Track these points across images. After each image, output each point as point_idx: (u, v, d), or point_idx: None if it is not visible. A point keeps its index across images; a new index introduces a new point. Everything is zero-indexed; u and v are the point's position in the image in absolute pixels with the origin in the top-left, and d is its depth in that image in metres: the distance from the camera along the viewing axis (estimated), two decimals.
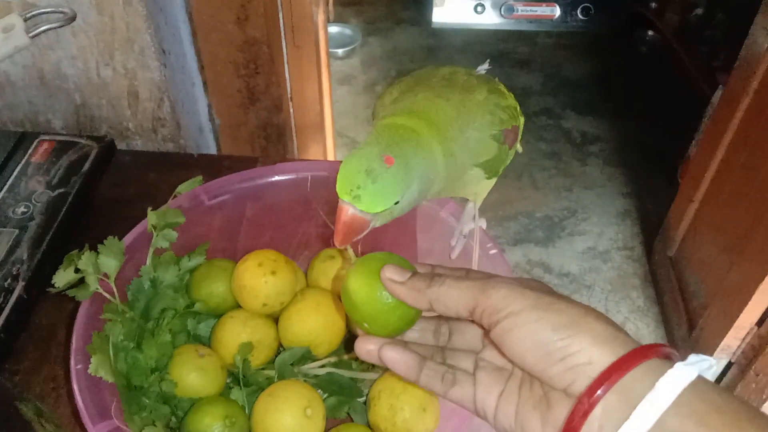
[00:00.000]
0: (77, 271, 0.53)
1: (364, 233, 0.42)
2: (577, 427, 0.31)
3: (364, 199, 0.39)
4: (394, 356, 0.38)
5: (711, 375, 0.31)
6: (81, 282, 0.53)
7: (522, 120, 0.55)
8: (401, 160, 0.40)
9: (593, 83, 2.39)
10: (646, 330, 1.65)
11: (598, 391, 0.30)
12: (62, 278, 0.53)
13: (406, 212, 0.43)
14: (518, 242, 1.83)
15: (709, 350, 1.37)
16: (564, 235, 1.86)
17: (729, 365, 1.38)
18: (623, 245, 1.85)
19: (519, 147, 0.56)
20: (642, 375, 0.30)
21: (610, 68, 2.46)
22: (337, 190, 0.39)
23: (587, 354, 0.31)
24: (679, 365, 0.30)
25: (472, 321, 0.36)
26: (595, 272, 1.78)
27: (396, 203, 0.40)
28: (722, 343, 1.33)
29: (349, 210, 0.39)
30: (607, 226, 1.89)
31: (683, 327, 1.52)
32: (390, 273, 0.37)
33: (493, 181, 0.55)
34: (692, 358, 0.31)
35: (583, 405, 0.31)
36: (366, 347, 0.39)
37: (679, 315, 1.55)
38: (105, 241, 0.54)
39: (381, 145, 0.40)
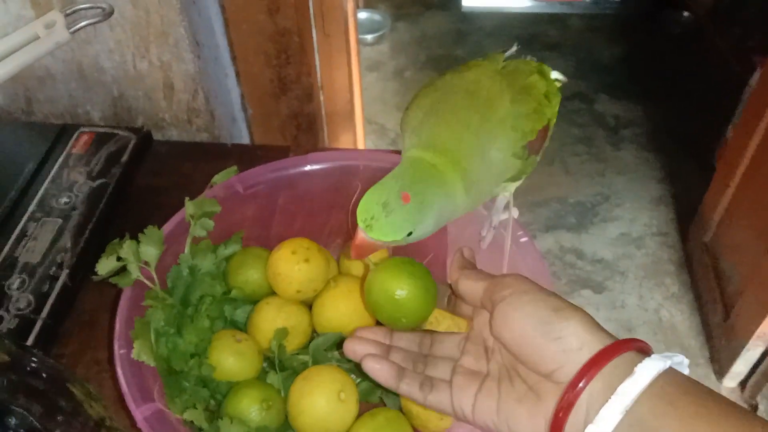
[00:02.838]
0: (119, 259, 0.55)
1: (379, 250, 0.46)
2: (567, 413, 0.35)
3: (375, 230, 0.43)
4: (375, 366, 0.42)
5: (683, 369, 0.35)
6: (123, 270, 0.55)
7: (555, 108, 0.54)
8: (417, 198, 0.43)
9: (625, 66, 2.35)
10: (680, 317, 1.64)
11: (583, 380, 0.34)
12: (105, 266, 0.55)
13: (424, 238, 0.47)
14: (550, 228, 1.82)
15: (745, 337, 1.35)
16: (597, 221, 1.85)
17: (766, 353, 1.36)
18: (657, 231, 1.83)
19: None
20: (622, 364, 0.34)
21: (642, 51, 2.42)
22: (357, 217, 0.44)
23: (580, 339, 0.35)
24: (654, 356, 0.34)
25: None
26: (628, 258, 1.76)
27: (408, 234, 0.44)
28: (758, 330, 1.31)
29: (361, 234, 0.44)
30: (641, 212, 1.87)
31: (718, 314, 1.50)
32: None
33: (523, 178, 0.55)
34: (666, 353, 0.35)
35: (572, 392, 0.34)
36: (353, 347, 0.44)
37: (714, 301, 1.53)
38: (145, 231, 0.56)
39: (402, 181, 0.44)
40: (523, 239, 0.59)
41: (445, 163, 0.46)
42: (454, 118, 0.48)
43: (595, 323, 0.37)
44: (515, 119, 0.49)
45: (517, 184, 0.56)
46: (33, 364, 0.31)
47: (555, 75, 0.55)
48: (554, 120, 0.54)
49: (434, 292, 0.51)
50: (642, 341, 0.36)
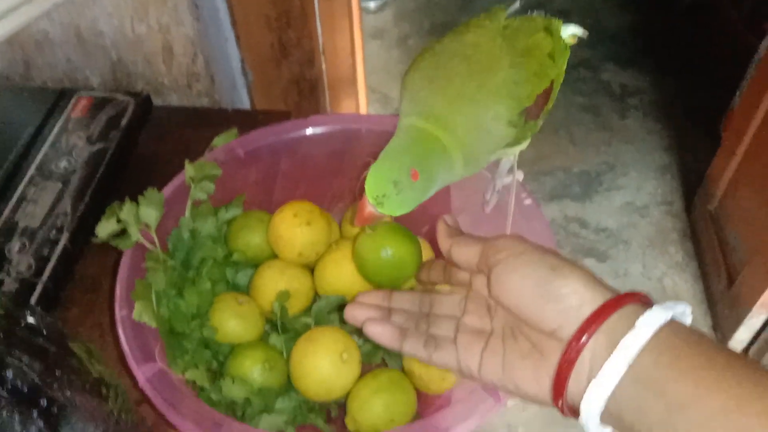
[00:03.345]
0: (119, 221, 0.54)
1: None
2: (568, 369, 0.34)
3: (386, 207, 0.44)
4: (377, 330, 0.42)
5: (686, 319, 0.35)
6: (123, 233, 0.55)
7: (561, 67, 0.52)
8: (425, 175, 0.44)
9: (633, 35, 2.31)
10: (684, 285, 1.63)
11: (584, 336, 0.33)
12: (104, 229, 0.54)
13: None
14: (554, 198, 1.81)
15: (749, 305, 1.35)
16: (601, 190, 1.84)
17: None
18: (662, 200, 1.82)
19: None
20: (624, 317, 0.33)
21: (651, 20, 2.37)
22: (366, 191, 0.44)
23: (580, 296, 0.35)
24: (656, 307, 0.33)
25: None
26: (632, 227, 1.75)
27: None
28: (762, 297, 1.31)
29: (370, 208, 0.44)
30: (646, 181, 1.86)
31: (722, 282, 1.50)
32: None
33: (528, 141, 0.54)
34: (668, 303, 0.34)
35: (573, 348, 0.34)
36: (353, 313, 0.44)
37: (719, 270, 1.53)
38: (145, 193, 0.56)
39: (411, 157, 0.44)
40: (527, 202, 0.58)
41: (445, 136, 0.46)
42: (451, 87, 0.47)
43: (595, 279, 0.36)
44: (513, 85, 0.48)
45: (520, 147, 0.56)
46: (32, 321, 0.31)
47: (571, 29, 0.53)
48: (560, 79, 0.52)
49: (419, 251, 0.55)
50: (644, 294, 0.35)
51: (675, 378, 0.31)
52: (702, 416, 0.30)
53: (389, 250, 0.53)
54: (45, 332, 0.32)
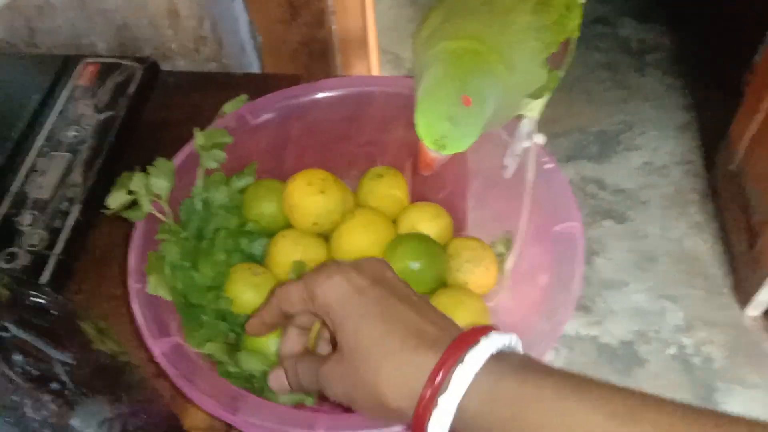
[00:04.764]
0: (130, 192, 0.53)
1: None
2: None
3: (450, 147, 0.40)
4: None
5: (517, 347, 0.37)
6: (134, 204, 0.53)
7: (576, 21, 0.50)
8: (478, 98, 0.40)
9: None
10: (704, 246, 1.61)
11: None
12: (115, 200, 0.53)
13: None
14: (571, 159, 1.77)
15: None
16: (619, 150, 1.80)
17: None
18: (682, 159, 1.78)
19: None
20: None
21: None
22: (421, 135, 0.40)
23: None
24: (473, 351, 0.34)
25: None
26: (651, 188, 1.72)
27: None
28: None
29: (432, 154, 0.41)
30: (665, 140, 1.82)
31: (743, 243, 1.47)
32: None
33: (547, 97, 0.52)
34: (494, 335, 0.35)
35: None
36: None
37: (739, 231, 1.50)
38: (155, 163, 0.54)
39: (455, 81, 0.40)
40: (548, 166, 0.56)
41: (482, 47, 0.42)
42: (471, 25, 0.44)
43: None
44: (536, 31, 0.45)
45: (541, 104, 0.53)
46: (40, 301, 0.30)
47: None
48: (576, 34, 0.50)
49: (444, 267, 0.56)
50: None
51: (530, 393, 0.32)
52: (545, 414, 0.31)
53: (417, 264, 0.53)
54: (54, 312, 0.31)
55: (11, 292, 0.29)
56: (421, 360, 0.34)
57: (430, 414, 0.33)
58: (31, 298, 0.30)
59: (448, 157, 0.42)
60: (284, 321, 0.46)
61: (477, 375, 0.33)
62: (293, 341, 0.46)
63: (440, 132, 0.39)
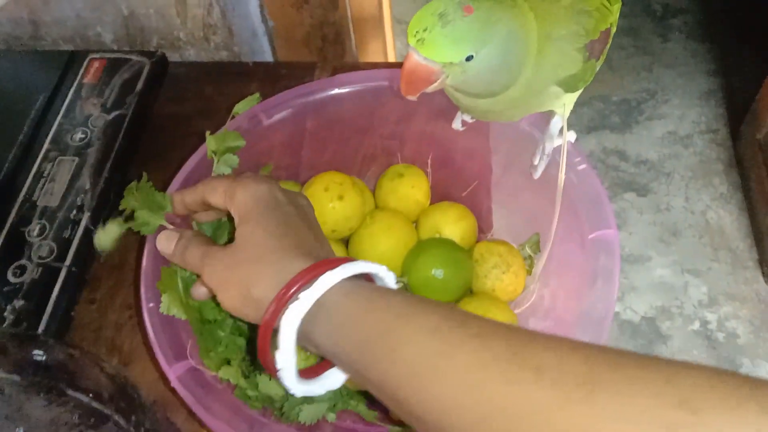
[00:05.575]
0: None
1: (434, 87, 0.39)
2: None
3: (428, 44, 0.36)
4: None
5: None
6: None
7: (617, 11, 0.47)
8: (483, 13, 0.36)
9: None
10: (728, 218, 1.57)
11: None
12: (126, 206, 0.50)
13: (489, 87, 0.41)
14: (592, 129, 1.73)
15: None
16: (642, 120, 1.75)
17: None
18: (706, 128, 1.72)
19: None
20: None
21: None
22: (408, 31, 0.37)
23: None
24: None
25: None
26: (675, 158, 1.68)
27: (468, 59, 0.37)
28: None
29: (413, 56, 0.37)
30: (690, 108, 1.76)
31: None
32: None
33: (578, 92, 0.49)
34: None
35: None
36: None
37: (765, 202, 1.46)
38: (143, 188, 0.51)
39: None
40: (582, 167, 0.53)
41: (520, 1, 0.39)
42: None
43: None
44: (578, 15, 0.43)
45: (574, 97, 0.50)
46: (39, 358, 0.28)
47: None
48: (615, 26, 0.48)
49: (470, 274, 0.54)
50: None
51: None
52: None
53: (440, 271, 0.52)
54: (51, 366, 0.29)
55: (11, 353, 0.27)
56: (299, 265, 0.37)
57: (288, 304, 0.35)
58: (33, 356, 0.28)
59: (432, 76, 0.38)
60: (201, 209, 0.47)
61: (343, 281, 0.35)
62: (209, 215, 0.49)
63: (424, 24, 0.36)
